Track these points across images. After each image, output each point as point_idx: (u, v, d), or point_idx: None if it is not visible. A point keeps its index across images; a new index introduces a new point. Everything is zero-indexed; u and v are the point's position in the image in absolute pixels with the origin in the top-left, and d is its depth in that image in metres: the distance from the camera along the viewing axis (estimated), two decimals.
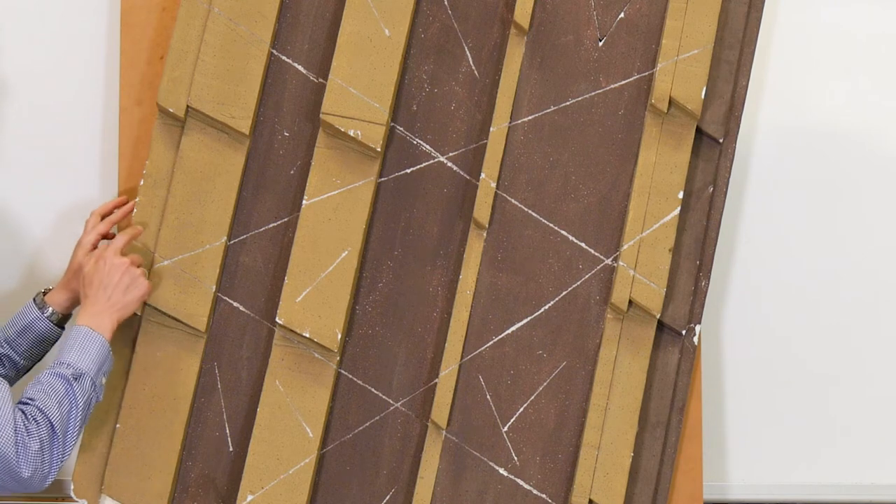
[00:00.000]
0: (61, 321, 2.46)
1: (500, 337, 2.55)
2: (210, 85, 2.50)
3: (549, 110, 2.57)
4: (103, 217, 2.51)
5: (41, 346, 2.46)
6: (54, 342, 2.47)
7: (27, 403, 2.24)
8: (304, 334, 2.48)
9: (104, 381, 2.35)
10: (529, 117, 2.57)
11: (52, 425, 2.23)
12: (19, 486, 2.21)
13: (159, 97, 2.51)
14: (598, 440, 2.53)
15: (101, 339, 2.34)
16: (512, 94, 2.54)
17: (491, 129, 2.54)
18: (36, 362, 2.48)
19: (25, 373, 2.47)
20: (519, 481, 2.54)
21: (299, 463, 2.48)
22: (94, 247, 2.46)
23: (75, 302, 2.46)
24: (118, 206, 2.52)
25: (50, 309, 2.44)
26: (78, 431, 2.27)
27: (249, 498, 2.47)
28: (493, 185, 2.54)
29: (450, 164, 2.56)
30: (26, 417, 2.21)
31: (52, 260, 2.63)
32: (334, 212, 2.51)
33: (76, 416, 2.27)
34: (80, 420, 2.27)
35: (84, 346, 2.32)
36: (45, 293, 2.47)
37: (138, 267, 2.41)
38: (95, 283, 2.37)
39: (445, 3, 2.57)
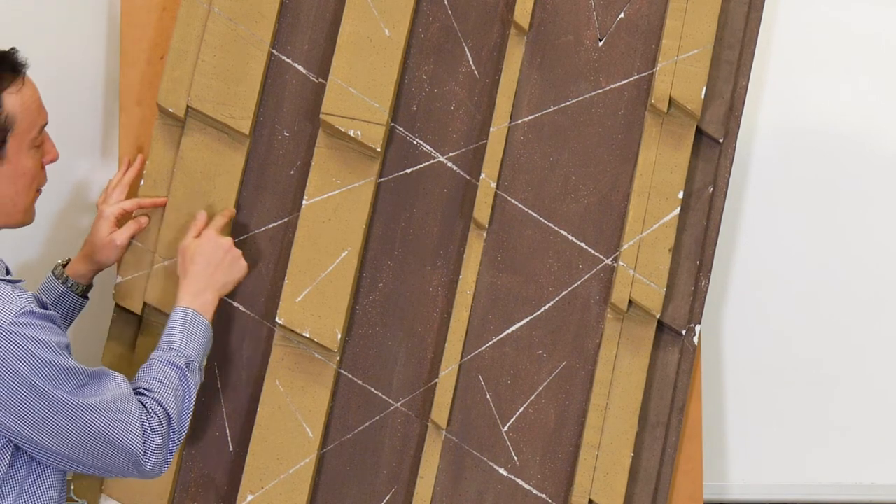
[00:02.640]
0: (84, 291, 2.47)
1: (499, 337, 2.55)
2: (210, 85, 2.50)
3: (549, 110, 2.57)
4: (112, 191, 2.51)
5: (71, 317, 2.48)
6: (80, 310, 2.49)
7: (145, 395, 2.24)
8: (304, 334, 2.48)
9: (204, 363, 2.36)
10: (529, 117, 2.57)
11: (170, 417, 2.24)
12: (139, 476, 2.23)
13: (159, 97, 2.51)
14: (598, 440, 2.53)
15: (206, 323, 2.35)
16: (512, 94, 2.54)
17: (491, 129, 2.54)
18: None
19: None
20: (519, 481, 2.54)
21: (299, 463, 2.48)
22: (118, 219, 2.47)
23: (97, 272, 2.47)
24: (133, 179, 2.52)
25: (71, 281, 2.45)
26: (188, 419, 2.29)
27: (249, 498, 2.47)
28: (493, 185, 2.54)
29: (450, 164, 2.56)
30: (147, 410, 2.21)
31: (52, 259, 2.62)
32: (334, 212, 2.51)
33: (189, 405, 2.29)
34: (191, 408, 2.29)
35: (191, 331, 2.33)
36: (64, 265, 2.47)
37: None
38: (200, 261, 2.38)
39: (445, 3, 2.57)
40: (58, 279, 2.45)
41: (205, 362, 2.36)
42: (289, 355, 2.50)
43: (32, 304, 2.09)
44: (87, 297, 2.49)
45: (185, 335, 2.32)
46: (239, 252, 2.42)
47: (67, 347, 2.13)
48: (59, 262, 2.48)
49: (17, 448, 2.14)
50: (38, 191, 2.25)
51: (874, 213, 2.96)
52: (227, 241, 2.41)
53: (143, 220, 2.48)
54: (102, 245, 2.45)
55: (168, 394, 2.25)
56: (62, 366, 2.10)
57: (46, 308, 2.14)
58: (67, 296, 2.46)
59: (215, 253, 2.39)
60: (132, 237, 2.48)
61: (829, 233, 2.95)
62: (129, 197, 2.51)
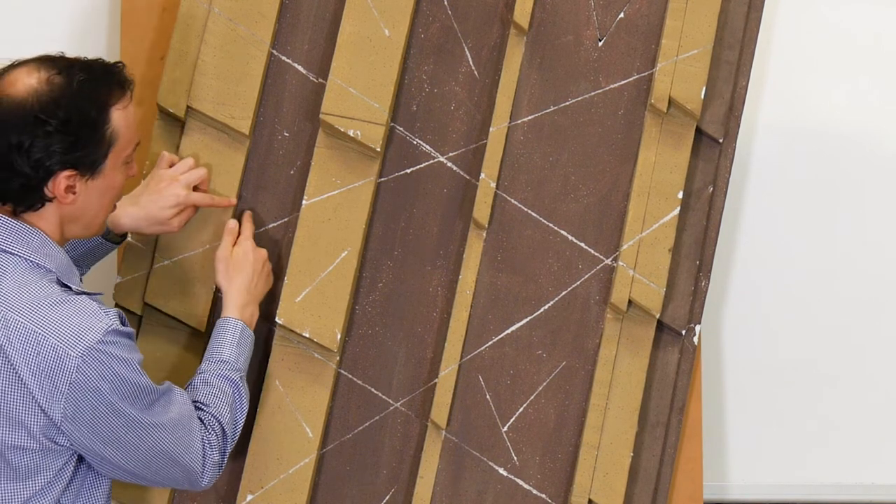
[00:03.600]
0: (120, 239, 2.44)
1: (499, 337, 2.55)
2: (210, 85, 2.50)
3: (548, 110, 2.57)
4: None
5: (98, 259, 2.46)
6: (109, 253, 2.47)
7: (202, 409, 2.25)
8: (303, 334, 2.48)
9: None
10: (529, 117, 2.57)
11: (224, 432, 2.26)
12: (191, 488, 2.25)
13: (159, 97, 2.51)
14: (598, 440, 2.53)
15: (253, 337, 2.39)
16: (512, 94, 2.54)
17: (491, 129, 2.54)
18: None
19: None
20: (519, 481, 2.54)
21: (299, 463, 2.48)
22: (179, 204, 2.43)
23: (133, 231, 2.43)
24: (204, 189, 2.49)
25: (111, 233, 2.41)
26: (239, 433, 2.31)
27: (249, 498, 2.47)
28: (493, 185, 2.54)
29: (450, 164, 2.56)
30: (204, 427, 2.23)
31: None
32: (334, 212, 2.51)
33: (241, 420, 2.31)
34: (243, 422, 2.32)
35: (241, 344, 2.35)
36: None
37: None
38: (247, 272, 2.40)
39: (445, 3, 2.57)
40: (102, 234, 2.41)
41: None
42: (289, 355, 2.50)
43: (117, 322, 2.10)
44: (121, 241, 2.45)
45: (237, 348, 2.34)
46: (270, 265, 2.47)
47: (141, 363, 2.15)
48: None
49: (80, 459, 2.15)
50: (115, 206, 2.23)
51: (874, 213, 2.96)
52: (264, 251, 2.45)
53: (193, 210, 2.46)
54: (158, 221, 2.41)
55: (225, 408, 2.27)
56: (139, 384, 2.11)
57: (125, 324, 2.14)
58: (104, 245, 2.43)
59: (257, 264, 2.43)
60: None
61: (829, 233, 2.95)
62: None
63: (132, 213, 2.40)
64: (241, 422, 2.31)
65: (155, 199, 2.41)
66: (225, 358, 2.33)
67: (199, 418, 2.23)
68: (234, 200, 2.49)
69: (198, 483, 2.22)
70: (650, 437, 2.57)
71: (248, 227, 2.47)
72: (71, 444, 2.11)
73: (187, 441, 2.18)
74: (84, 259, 2.43)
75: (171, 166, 2.46)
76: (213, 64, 2.51)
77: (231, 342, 2.34)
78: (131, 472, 2.17)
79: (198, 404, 2.26)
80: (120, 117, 2.13)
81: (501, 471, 2.54)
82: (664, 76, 2.55)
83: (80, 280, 2.24)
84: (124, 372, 2.08)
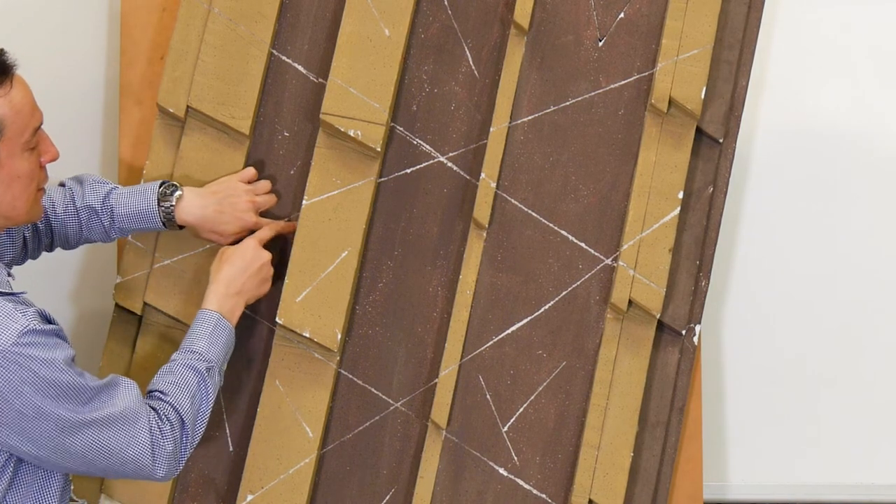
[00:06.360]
0: (171, 226, 2.42)
1: (499, 337, 2.55)
2: (210, 85, 2.50)
3: (548, 110, 2.57)
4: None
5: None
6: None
7: (160, 399, 2.21)
8: (303, 334, 2.48)
9: (225, 367, 2.34)
10: (529, 117, 2.57)
11: (183, 422, 2.21)
12: (149, 480, 2.20)
13: (159, 97, 2.51)
14: (598, 440, 2.53)
15: (230, 328, 2.34)
16: (512, 94, 2.54)
17: (491, 129, 2.54)
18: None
19: None
20: (519, 481, 2.54)
21: (299, 463, 2.48)
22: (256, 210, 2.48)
23: (194, 230, 2.43)
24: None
25: (169, 208, 2.40)
26: (205, 424, 2.26)
27: (249, 498, 2.47)
28: (493, 185, 2.54)
29: (450, 164, 2.56)
30: (159, 417, 2.18)
31: (52, 259, 2.62)
32: (334, 212, 2.51)
33: (206, 410, 2.26)
34: (208, 413, 2.26)
35: (214, 335, 2.31)
36: (179, 196, 2.40)
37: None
38: (237, 264, 2.37)
39: (445, 3, 2.57)
40: (163, 222, 2.41)
41: (225, 367, 2.35)
42: (289, 355, 2.50)
43: (35, 322, 2.04)
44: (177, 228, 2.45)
45: (208, 339, 2.30)
46: (272, 271, 2.43)
47: (73, 359, 2.09)
48: (170, 201, 2.40)
49: (21, 459, 2.12)
50: (41, 189, 2.18)
51: (874, 213, 2.96)
52: (267, 255, 2.42)
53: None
54: (218, 233, 2.43)
55: (184, 398, 2.22)
56: (67, 384, 2.06)
57: (51, 321, 2.09)
58: (160, 226, 2.42)
59: (253, 263, 2.39)
60: None
61: (828, 233, 2.95)
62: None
63: (200, 215, 2.41)
64: (206, 412, 2.25)
65: (225, 214, 2.43)
66: (195, 348, 2.29)
67: (154, 408, 2.19)
68: (295, 224, 2.50)
69: (153, 475, 2.17)
70: (650, 437, 2.57)
71: (264, 231, 2.46)
72: (3, 448, 2.08)
73: (130, 434, 2.13)
74: (133, 229, 2.43)
75: (248, 181, 2.48)
76: (213, 64, 2.51)
77: (203, 333, 2.30)
78: (74, 471, 2.14)
79: (157, 393, 2.22)
80: (2, 105, 2.07)
81: (501, 471, 2.54)
82: (664, 76, 2.55)
83: (10, 276, 2.18)
84: (46, 372, 2.03)
